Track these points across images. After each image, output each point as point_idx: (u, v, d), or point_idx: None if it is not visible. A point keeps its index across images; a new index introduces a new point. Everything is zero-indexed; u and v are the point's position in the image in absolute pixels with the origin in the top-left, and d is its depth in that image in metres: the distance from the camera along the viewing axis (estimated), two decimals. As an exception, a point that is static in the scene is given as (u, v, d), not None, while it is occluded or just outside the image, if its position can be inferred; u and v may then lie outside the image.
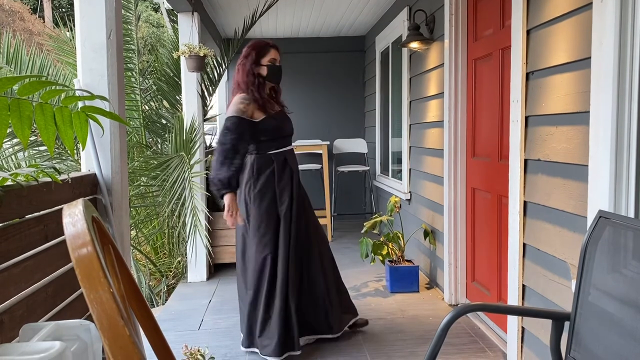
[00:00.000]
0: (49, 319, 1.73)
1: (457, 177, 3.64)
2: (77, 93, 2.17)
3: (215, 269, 4.83)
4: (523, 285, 2.58)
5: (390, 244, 4.14)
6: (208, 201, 4.54)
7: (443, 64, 3.72)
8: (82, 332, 1.31)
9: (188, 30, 4.47)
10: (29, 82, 1.29)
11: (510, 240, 2.66)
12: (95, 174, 2.22)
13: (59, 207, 1.84)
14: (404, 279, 4.05)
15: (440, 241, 3.89)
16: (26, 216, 1.63)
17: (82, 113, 1.46)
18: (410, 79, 4.70)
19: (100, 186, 2.22)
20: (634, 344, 1.37)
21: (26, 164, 4.15)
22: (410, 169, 4.75)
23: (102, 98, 1.59)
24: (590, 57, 1.96)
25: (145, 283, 4.62)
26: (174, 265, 4.94)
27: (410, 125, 4.73)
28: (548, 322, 1.68)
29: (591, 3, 1.95)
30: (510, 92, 2.61)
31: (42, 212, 1.73)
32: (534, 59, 2.42)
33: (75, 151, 3.68)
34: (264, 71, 2.99)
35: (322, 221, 3.89)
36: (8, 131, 1.33)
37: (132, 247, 4.52)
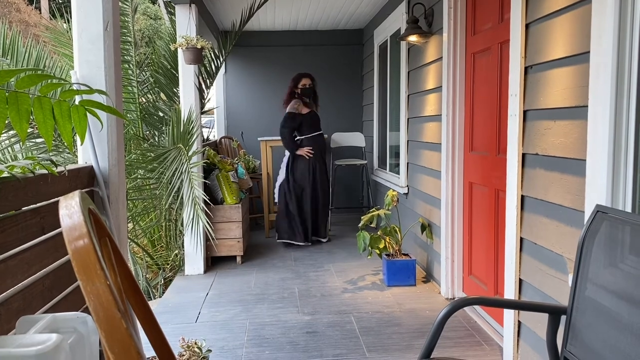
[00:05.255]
0: (46, 312, 1.72)
1: (455, 171, 3.64)
2: (75, 87, 2.16)
3: (213, 262, 4.83)
4: (520, 279, 2.59)
5: (387, 237, 4.15)
6: (206, 193, 4.53)
7: (441, 57, 3.71)
8: (78, 324, 1.31)
9: (185, 22, 4.45)
10: (26, 75, 1.28)
11: (507, 234, 2.67)
12: (92, 166, 2.21)
13: (56, 199, 1.83)
14: (401, 272, 4.06)
15: (438, 235, 3.89)
16: (23, 208, 1.63)
17: (81, 107, 1.45)
18: (408, 72, 4.69)
19: (97, 178, 2.22)
20: (631, 338, 1.38)
21: (23, 156, 4.13)
22: (407, 163, 4.75)
23: (101, 92, 1.58)
24: (589, 52, 1.96)
25: (143, 276, 4.62)
26: (171, 258, 4.94)
27: (408, 119, 4.72)
28: (544, 316, 1.69)
29: (591, -3, 1.95)
30: (509, 86, 2.60)
31: (38, 204, 1.72)
32: (532, 53, 2.42)
33: (73, 143, 3.66)
34: (299, 91, 5.40)
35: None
36: (5, 123, 1.32)
37: (129, 240, 4.52)
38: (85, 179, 2.15)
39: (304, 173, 5.38)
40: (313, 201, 5.41)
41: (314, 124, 5.42)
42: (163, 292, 4.37)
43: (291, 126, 5.33)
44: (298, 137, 5.44)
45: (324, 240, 5.58)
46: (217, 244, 4.69)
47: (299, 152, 5.39)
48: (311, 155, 5.36)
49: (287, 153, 5.51)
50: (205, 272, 4.59)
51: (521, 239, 2.57)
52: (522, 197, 2.54)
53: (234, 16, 5.78)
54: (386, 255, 4.15)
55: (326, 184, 5.53)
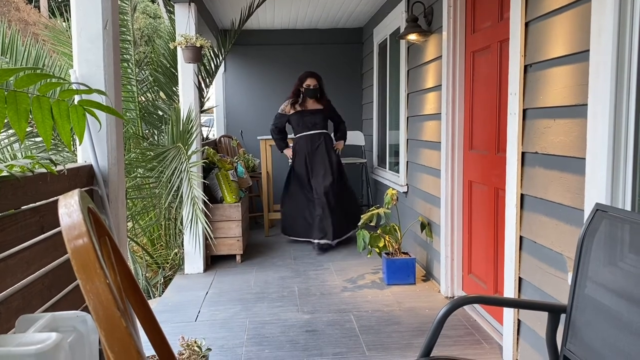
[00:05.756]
0: (45, 310, 1.72)
1: (455, 170, 3.64)
2: (74, 86, 2.15)
3: (212, 261, 4.83)
4: (519, 278, 2.59)
5: (387, 236, 4.15)
6: (206, 192, 4.53)
7: (441, 56, 3.70)
8: (78, 323, 1.30)
9: (185, 21, 4.44)
10: (25, 74, 1.27)
11: (507, 233, 2.67)
12: (91, 165, 2.21)
13: (55, 198, 1.83)
14: (400, 271, 4.06)
15: (437, 234, 3.89)
16: (22, 207, 1.62)
17: (79, 107, 1.44)
18: (408, 71, 4.69)
19: (96, 177, 2.21)
20: (630, 337, 1.38)
21: (22, 155, 4.13)
22: (407, 162, 4.75)
23: (100, 92, 1.58)
24: (588, 50, 1.96)
25: (142, 275, 4.62)
26: (170, 257, 4.94)
27: (407, 117, 4.72)
28: (544, 315, 1.69)
29: (590, -5, 1.94)
30: (509, 85, 2.60)
31: (38, 203, 1.72)
32: (532, 52, 2.42)
33: (71, 143, 3.66)
34: (302, 89, 5.32)
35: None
36: (4, 122, 1.31)
37: (128, 239, 4.52)
38: (84, 178, 2.15)
39: (295, 176, 5.37)
40: (301, 203, 5.31)
41: (309, 122, 5.29)
42: (163, 291, 4.37)
43: (275, 125, 5.40)
44: (296, 135, 5.39)
45: (316, 241, 5.20)
46: (215, 244, 4.69)
47: (285, 152, 5.48)
48: (290, 159, 5.40)
49: None
50: (204, 271, 4.59)
51: (521, 237, 2.57)
52: (522, 195, 2.54)
53: (233, 15, 5.77)
54: (386, 254, 4.15)
55: (327, 181, 5.16)
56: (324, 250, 5.13)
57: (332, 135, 5.54)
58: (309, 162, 5.27)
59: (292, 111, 5.34)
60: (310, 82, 5.26)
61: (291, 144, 5.49)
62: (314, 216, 5.19)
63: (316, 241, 5.16)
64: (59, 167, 1.85)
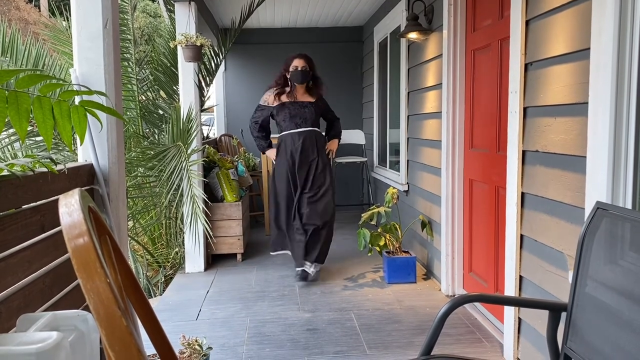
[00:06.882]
0: (46, 310, 1.72)
1: (455, 169, 3.64)
2: (75, 87, 2.15)
3: (213, 260, 4.84)
4: (520, 276, 2.59)
5: (387, 235, 4.15)
6: (206, 191, 4.53)
7: (441, 54, 3.70)
8: (79, 322, 1.31)
9: (185, 19, 4.44)
10: (26, 75, 1.28)
11: (507, 231, 2.67)
12: (92, 164, 2.21)
13: (56, 197, 1.83)
14: (401, 269, 4.06)
15: (438, 232, 3.89)
16: (23, 206, 1.63)
17: (80, 108, 1.44)
18: (408, 69, 4.69)
19: (97, 176, 2.21)
20: (631, 335, 1.38)
21: (23, 154, 4.13)
22: (407, 161, 4.75)
23: (101, 93, 1.58)
24: (589, 48, 1.95)
25: (143, 274, 4.62)
26: (171, 256, 4.94)
27: (408, 116, 4.72)
28: (544, 313, 1.69)
29: (591, -7, 1.94)
30: (509, 83, 2.60)
31: (38, 203, 1.72)
32: (533, 50, 2.41)
33: (72, 143, 3.66)
34: (289, 74, 4.24)
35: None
36: (5, 122, 1.31)
37: (129, 238, 4.52)
38: (85, 177, 2.15)
39: (275, 186, 4.35)
40: (287, 217, 4.27)
41: (298, 118, 4.19)
42: (163, 290, 4.38)
43: (255, 120, 4.31)
44: (281, 133, 4.27)
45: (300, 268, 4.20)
46: (215, 243, 4.69)
47: (267, 153, 4.42)
48: (274, 161, 4.37)
49: None
50: (205, 269, 4.59)
51: (521, 236, 2.57)
52: (522, 194, 2.54)
53: (233, 14, 5.77)
54: (386, 252, 4.15)
55: (318, 208, 4.20)
56: (303, 279, 4.17)
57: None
58: (295, 170, 4.19)
59: (275, 103, 4.24)
60: (298, 64, 4.19)
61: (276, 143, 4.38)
62: (295, 238, 4.23)
63: (299, 269, 4.20)
64: (60, 166, 1.85)
